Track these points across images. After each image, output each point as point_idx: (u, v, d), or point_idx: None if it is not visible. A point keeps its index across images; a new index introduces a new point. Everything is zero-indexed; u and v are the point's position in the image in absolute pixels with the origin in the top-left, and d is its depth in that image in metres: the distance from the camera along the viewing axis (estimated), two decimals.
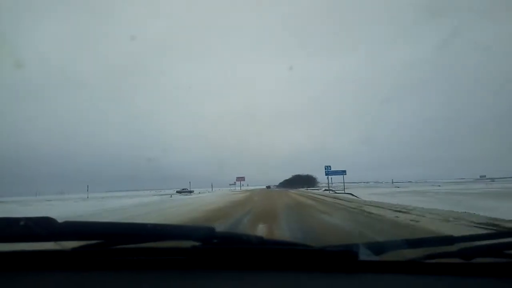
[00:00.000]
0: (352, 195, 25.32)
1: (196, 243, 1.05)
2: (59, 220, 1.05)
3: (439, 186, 53.85)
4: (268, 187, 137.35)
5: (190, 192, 58.97)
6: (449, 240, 1.04)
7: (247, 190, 64.43)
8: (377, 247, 1.05)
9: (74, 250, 1.08)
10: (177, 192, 59.73)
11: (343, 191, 31.96)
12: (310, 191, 48.91)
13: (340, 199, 19.10)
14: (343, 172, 36.99)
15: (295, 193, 35.18)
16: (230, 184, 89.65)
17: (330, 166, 37.33)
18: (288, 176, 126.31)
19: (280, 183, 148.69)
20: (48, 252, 1.10)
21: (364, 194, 23.33)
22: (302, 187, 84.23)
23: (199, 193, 52.85)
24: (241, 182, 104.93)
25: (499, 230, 1.68)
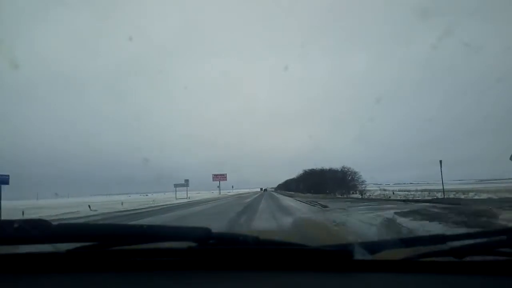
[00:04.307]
0: None
1: (192, 244, 1.03)
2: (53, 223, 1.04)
3: None
4: (265, 190, 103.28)
5: None
6: (442, 238, 1.03)
7: (198, 202, 27.03)
8: (372, 246, 1.03)
9: (68, 252, 1.06)
10: None
11: None
12: None
13: None
14: None
15: None
16: (175, 185, 45.50)
17: None
18: (289, 176, 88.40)
19: (280, 184, 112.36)
20: (43, 254, 1.08)
21: None
22: (331, 193, 38.28)
23: None
24: (220, 181, 65.91)
25: (490, 229, 1.72)
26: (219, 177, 62.84)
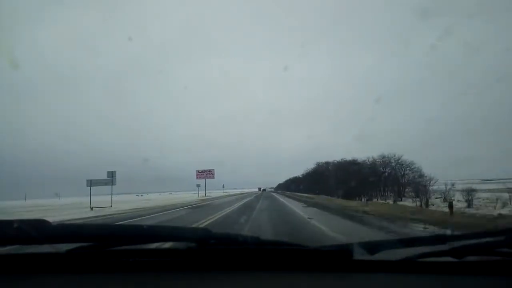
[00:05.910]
0: None
1: (192, 244, 1.05)
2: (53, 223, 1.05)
3: None
4: (263, 190, 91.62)
5: None
6: (442, 239, 1.04)
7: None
8: (371, 247, 1.03)
9: (68, 252, 1.06)
10: None
11: None
12: None
13: None
14: None
15: None
16: (88, 181, 22.48)
17: None
18: (288, 176, 75.24)
19: (281, 184, 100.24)
20: (42, 254, 1.08)
21: None
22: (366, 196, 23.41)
23: None
24: (206, 179, 52.14)
25: (490, 229, 1.69)
26: (205, 174, 49.89)
